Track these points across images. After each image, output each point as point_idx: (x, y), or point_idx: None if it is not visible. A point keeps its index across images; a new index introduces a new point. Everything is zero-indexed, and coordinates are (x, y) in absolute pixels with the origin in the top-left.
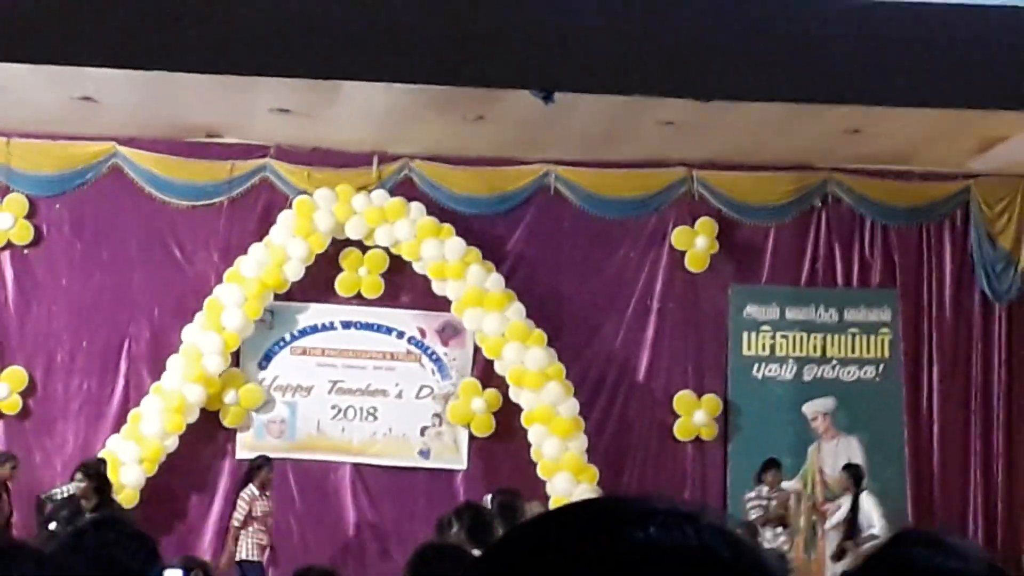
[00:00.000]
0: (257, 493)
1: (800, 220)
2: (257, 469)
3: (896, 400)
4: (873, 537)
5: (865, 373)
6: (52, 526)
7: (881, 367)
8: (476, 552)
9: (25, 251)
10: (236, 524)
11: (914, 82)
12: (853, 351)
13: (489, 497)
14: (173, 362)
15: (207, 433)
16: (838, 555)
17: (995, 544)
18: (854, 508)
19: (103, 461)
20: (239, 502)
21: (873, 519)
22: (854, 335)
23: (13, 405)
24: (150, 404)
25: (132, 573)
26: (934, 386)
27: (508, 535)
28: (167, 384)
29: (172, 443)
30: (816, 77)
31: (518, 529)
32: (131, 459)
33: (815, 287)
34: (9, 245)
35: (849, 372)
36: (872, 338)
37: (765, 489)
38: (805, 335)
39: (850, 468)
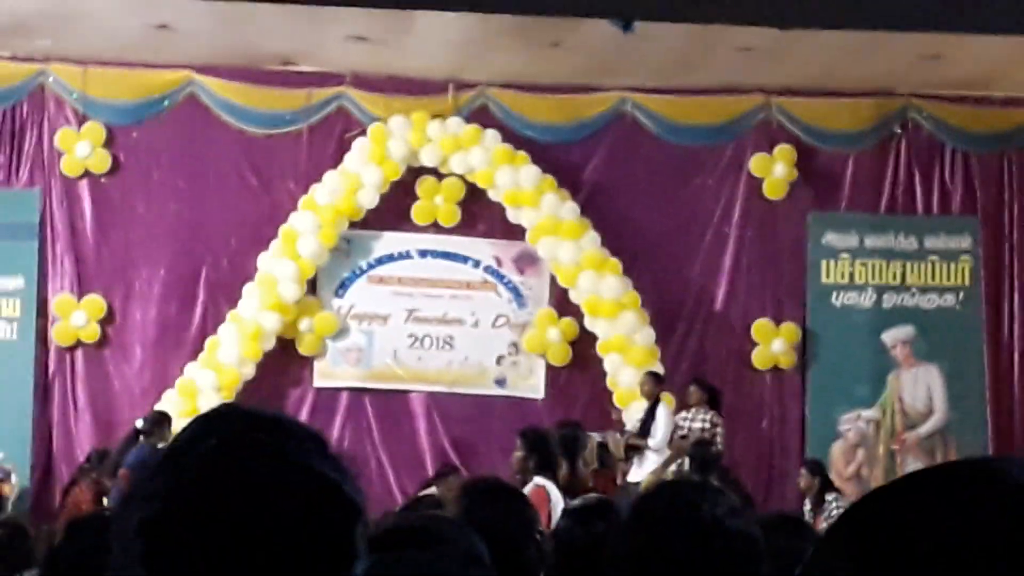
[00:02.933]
0: None
1: (880, 147)
2: None
3: (976, 328)
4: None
5: (945, 301)
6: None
7: (961, 295)
8: (537, 478)
9: (103, 179)
10: None
11: (994, 8)
12: (933, 279)
13: (551, 430)
14: (249, 290)
15: (284, 361)
16: (627, 449)
17: None
18: (650, 413)
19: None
20: None
21: (659, 431)
22: (934, 263)
23: (92, 334)
24: (227, 332)
25: None
26: (1015, 313)
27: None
28: (243, 312)
29: (249, 371)
30: (895, 5)
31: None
32: (208, 387)
33: (895, 214)
34: (87, 174)
35: (929, 300)
36: (952, 265)
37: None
38: (884, 263)
39: (651, 374)
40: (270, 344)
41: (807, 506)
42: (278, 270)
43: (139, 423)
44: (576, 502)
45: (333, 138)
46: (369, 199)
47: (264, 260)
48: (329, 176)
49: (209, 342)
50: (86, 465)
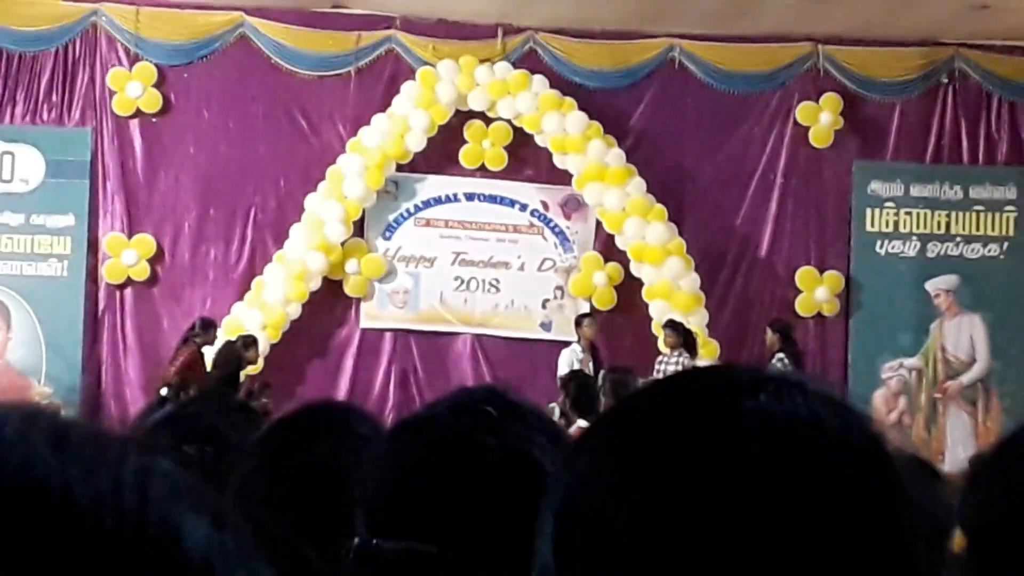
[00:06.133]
0: None
1: (926, 96)
2: None
3: (1020, 278)
4: None
5: (989, 251)
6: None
7: (1006, 245)
8: (581, 422)
9: (153, 119)
10: None
11: None
12: (978, 228)
13: (602, 374)
14: (296, 230)
15: (331, 302)
16: None
17: None
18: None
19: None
20: None
21: None
22: (979, 212)
23: (142, 272)
24: (273, 271)
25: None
26: None
27: (618, 405)
28: (289, 252)
29: (294, 310)
30: None
31: (629, 399)
32: (255, 325)
33: (940, 164)
34: (138, 113)
35: (973, 249)
36: (997, 216)
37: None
38: (929, 212)
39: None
40: (316, 284)
41: None
42: (325, 211)
43: (164, 391)
44: None
45: (382, 81)
46: (417, 142)
47: (311, 201)
48: (377, 119)
49: (255, 281)
50: (192, 332)
